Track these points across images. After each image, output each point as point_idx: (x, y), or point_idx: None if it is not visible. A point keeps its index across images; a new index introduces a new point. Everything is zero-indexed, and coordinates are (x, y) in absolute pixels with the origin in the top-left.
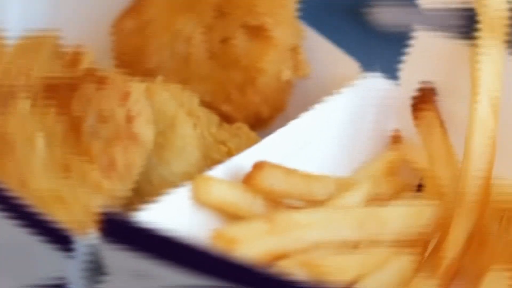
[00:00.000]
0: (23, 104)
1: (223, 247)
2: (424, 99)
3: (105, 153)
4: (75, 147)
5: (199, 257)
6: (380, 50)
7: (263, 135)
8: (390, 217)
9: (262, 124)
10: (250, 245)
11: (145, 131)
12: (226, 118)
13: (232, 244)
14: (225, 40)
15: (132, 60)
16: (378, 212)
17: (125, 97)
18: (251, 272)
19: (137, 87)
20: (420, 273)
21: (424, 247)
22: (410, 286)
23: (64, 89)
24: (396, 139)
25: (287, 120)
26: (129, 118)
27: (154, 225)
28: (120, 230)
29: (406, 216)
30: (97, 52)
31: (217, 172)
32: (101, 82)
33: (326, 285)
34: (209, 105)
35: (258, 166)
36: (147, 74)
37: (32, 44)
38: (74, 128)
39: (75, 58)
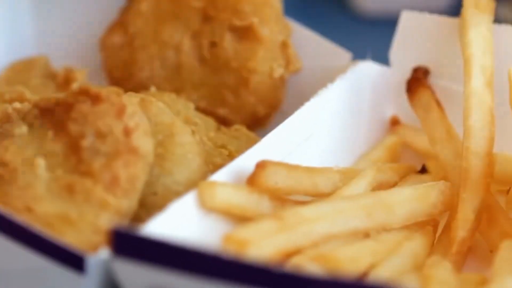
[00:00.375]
0: (20, 129)
1: (235, 250)
2: (418, 81)
3: (107, 169)
4: (77, 167)
5: (213, 263)
6: (370, 37)
7: (262, 135)
8: (396, 202)
9: (259, 123)
10: (261, 245)
11: (144, 143)
12: (223, 122)
13: (243, 246)
14: (213, 44)
15: (124, 74)
16: (385, 198)
17: (120, 111)
18: (266, 272)
19: (132, 100)
20: (432, 254)
21: (434, 228)
22: (424, 268)
23: (59, 109)
24: (394, 123)
25: (284, 117)
26: (127, 132)
27: (164, 236)
28: (131, 244)
29: (413, 199)
30: (88, 69)
31: (220, 176)
32: (95, 99)
33: (341, 277)
34: (205, 111)
35: (261, 165)
36: (140, 86)
37: (23, 69)
38: (74, 147)
39: (67, 78)
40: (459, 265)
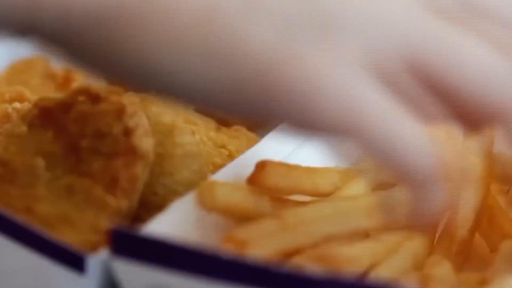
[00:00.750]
0: (20, 129)
1: (235, 250)
2: None
3: (107, 169)
4: (76, 167)
5: (213, 263)
6: None
7: (261, 135)
8: (395, 202)
9: (259, 124)
10: (262, 245)
11: (145, 143)
12: (223, 122)
13: (243, 246)
14: None
15: None
16: (384, 198)
17: (120, 111)
18: (267, 272)
19: (132, 100)
20: (432, 255)
21: (434, 228)
22: (424, 268)
23: (59, 109)
24: None
25: None
26: (127, 132)
27: (164, 236)
28: (130, 244)
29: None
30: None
31: (220, 176)
32: (95, 98)
33: (341, 277)
34: (204, 112)
35: (261, 165)
36: None
37: (23, 69)
38: (73, 147)
39: (66, 78)
40: (459, 265)
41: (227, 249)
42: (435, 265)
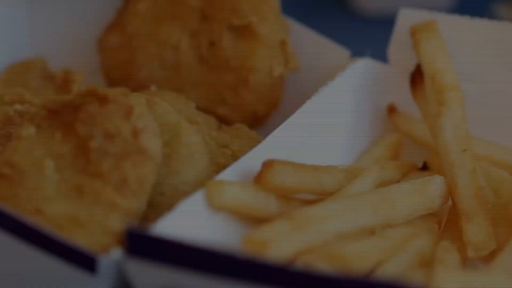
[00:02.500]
0: (28, 131)
1: (254, 251)
2: (421, 74)
3: (116, 170)
4: (85, 168)
5: (226, 262)
6: (369, 36)
7: (261, 133)
8: (398, 197)
9: (259, 122)
10: (280, 245)
11: (153, 144)
12: (223, 121)
13: (263, 247)
14: (212, 44)
15: (122, 75)
16: (387, 194)
17: (128, 112)
18: (279, 271)
19: (139, 100)
20: (439, 246)
21: (438, 222)
22: (433, 259)
23: (67, 111)
24: (391, 111)
25: (283, 115)
26: (136, 133)
27: (177, 236)
28: (145, 245)
29: (413, 193)
30: (85, 71)
31: (227, 175)
32: (103, 100)
33: (353, 275)
34: (205, 110)
35: (268, 164)
36: (139, 87)
37: (21, 71)
38: (82, 148)
39: (66, 80)
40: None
41: (245, 251)
42: (442, 255)
